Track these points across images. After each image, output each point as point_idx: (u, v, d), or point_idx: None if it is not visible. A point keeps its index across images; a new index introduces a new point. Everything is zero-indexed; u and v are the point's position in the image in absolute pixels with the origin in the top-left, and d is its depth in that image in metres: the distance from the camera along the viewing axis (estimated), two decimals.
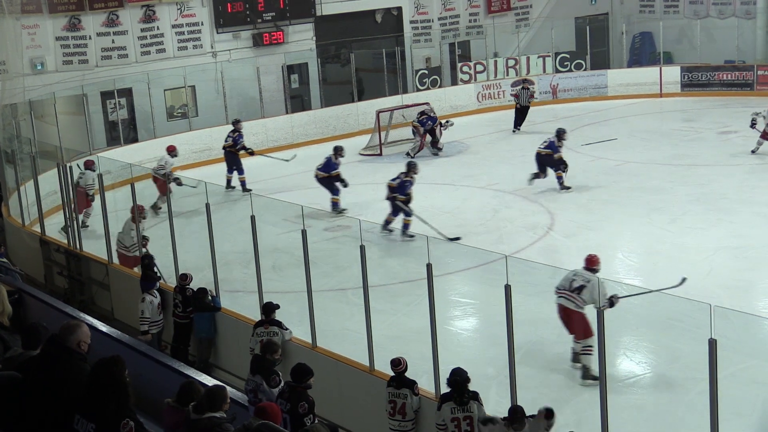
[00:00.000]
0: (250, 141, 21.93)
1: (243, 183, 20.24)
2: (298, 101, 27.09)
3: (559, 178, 18.68)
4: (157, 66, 24.53)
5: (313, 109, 26.55)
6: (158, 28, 24.87)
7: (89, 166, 17.85)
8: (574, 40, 31.28)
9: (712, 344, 7.18)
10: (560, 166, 18.72)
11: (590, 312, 10.47)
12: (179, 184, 17.37)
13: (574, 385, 10.77)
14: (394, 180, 16.69)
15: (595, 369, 10.33)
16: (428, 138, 22.94)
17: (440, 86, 28.15)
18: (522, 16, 31.53)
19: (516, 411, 8.41)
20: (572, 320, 10.92)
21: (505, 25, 30.71)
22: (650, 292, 11.26)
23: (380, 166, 21.81)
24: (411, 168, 16.86)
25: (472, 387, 8.90)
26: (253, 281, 11.79)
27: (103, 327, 8.78)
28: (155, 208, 18.13)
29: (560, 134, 18.94)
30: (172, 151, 19.50)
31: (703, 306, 7.42)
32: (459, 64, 28.74)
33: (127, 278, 13.89)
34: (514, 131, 24.94)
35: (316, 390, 9.00)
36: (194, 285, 12.40)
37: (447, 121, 23.40)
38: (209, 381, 7.53)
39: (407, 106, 25.12)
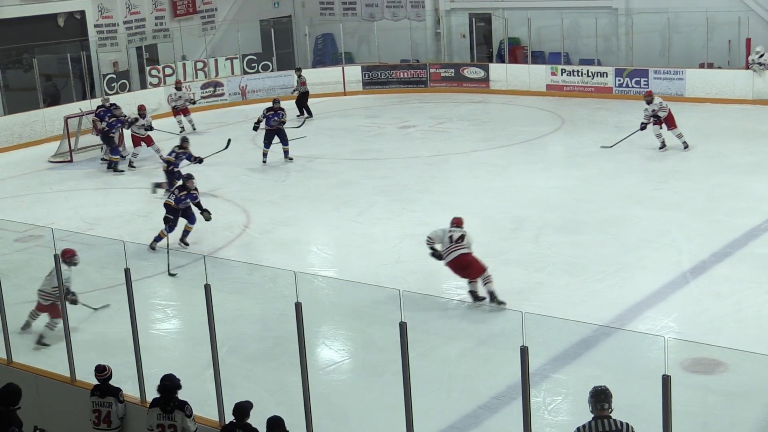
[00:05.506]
0: None
1: None
2: None
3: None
4: None
5: None
6: None
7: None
8: (260, 42, 31.82)
9: (403, 327, 7.70)
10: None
11: None
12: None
13: (281, 376, 11.07)
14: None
15: None
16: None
17: (129, 90, 27.62)
18: (208, 19, 31.65)
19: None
20: None
21: (191, 29, 30.69)
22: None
23: (71, 173, 21.24)
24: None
25: (184, 390, 8.90)
26: None
27: None
28: None
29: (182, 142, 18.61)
30: None
31: (393, 292, 7.97)
32: (147, 68, 28.38)
33: None
34: (299, 116, 25.81)
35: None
36: None
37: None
38: None
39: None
